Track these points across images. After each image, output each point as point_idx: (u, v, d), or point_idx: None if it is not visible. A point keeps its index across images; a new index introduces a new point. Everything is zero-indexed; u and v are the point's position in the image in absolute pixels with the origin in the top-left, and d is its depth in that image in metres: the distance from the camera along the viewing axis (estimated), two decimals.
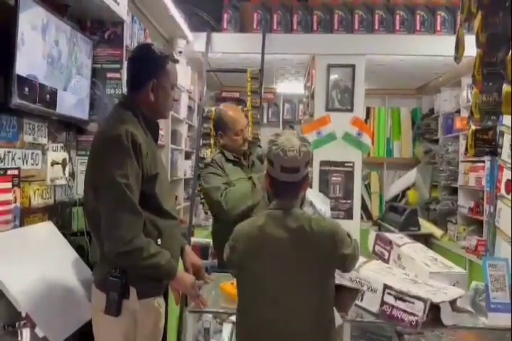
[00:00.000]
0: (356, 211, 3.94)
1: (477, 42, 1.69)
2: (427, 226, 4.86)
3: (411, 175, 5.73)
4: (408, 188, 5.73)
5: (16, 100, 1.89)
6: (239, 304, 1.50)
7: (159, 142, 3.71)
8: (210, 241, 3.04)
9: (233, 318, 1.68)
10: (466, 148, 1.68)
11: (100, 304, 1.52)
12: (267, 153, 1.50)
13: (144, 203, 1.53)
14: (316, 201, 2.23)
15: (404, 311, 1.45)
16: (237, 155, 2.43)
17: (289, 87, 5.91)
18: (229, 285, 1.79)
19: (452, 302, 1.52)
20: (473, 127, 1.64)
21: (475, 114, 1.61)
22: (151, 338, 1.60)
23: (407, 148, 6.07)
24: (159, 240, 1.58)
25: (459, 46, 1.83)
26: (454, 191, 5.01)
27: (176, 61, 1.77)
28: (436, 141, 5.60)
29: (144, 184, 1.54)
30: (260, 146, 2.59)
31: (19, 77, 1.91)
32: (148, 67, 1.65)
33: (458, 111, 5.06)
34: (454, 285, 1.72)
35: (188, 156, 4.59)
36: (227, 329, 1.63)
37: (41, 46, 2.10)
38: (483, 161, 4.28)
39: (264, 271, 1.46)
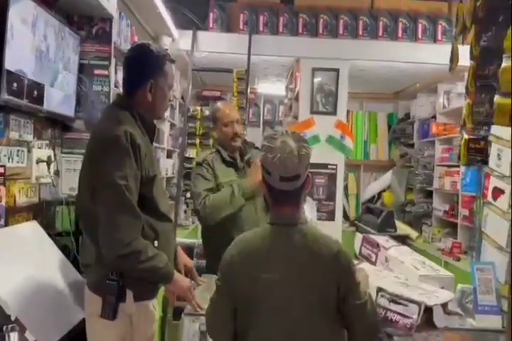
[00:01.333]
0: (338, 213, 4.01)
1: (471, 55, 1.75)
2: (402, 228, 4.97)
3: (386, 178, 5.86)
4: (384, 190, 5.87)
5: (5, 96, 1.84)
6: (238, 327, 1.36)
7: None
8: (195, 241, 3.02)
9: None
10: (459, 156, 1.74)
11: (95, 308, 1.49)
12: (262, 160, 1.36)
13: (141, 205, 1.51)
14: (305, 210, 2.20)
15: (399, 314, 1.49)
16: (232, 154, 2.40)
17: (270, 87, 5.93)
18: None
19: (444, 305, 1.56)
20: (465, 136, 1.70)
21: (468, 123, 1.66)
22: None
23: (383, 151, 6.20)
24: (156, 242, 1.57)
25: (454, 58, 1.89)
26: (429, 194, 5.15)
27: (173, 61, 1.75)
28: (412, 145, 5.74)
29: (143, 186, 1.52)
30: (258, 148, 2.59)
31: (8, 72, 1.85)
32: (147, 67, 1.63)
33: (434, 117, 5.20)
34: (442, 288, 1.77)
35: (169, 155, 4.55)
36: None
37: (30, 41, 2.05)
38: (459, 166, 4.42)
39: (266, 295, 1.31)
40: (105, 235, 1.43)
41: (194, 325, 1.57)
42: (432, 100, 5.31)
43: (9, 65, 1.87)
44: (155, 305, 1.60)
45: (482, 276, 1.68)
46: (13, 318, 1.53)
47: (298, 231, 1.34)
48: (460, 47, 1.90)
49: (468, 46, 1.76)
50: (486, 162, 1.69)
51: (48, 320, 1.70)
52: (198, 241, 2.88)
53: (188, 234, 3.74)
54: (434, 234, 4.71)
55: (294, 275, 1.31)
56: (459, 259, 3.91)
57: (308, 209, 2.19)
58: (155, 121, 1.72)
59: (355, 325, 1.37)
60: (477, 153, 1.65)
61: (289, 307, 1.30)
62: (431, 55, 4.07)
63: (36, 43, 2.10)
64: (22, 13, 1.96)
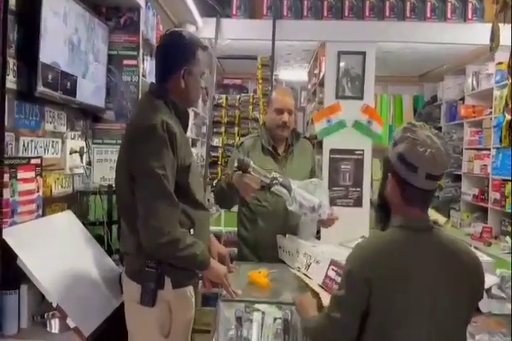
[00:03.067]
0: (366, 199, 3.97)
1: None
2: (430, 213, 4.88)
3: None
4: None
5: (40, 88, 1.87)
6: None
7: None
8: (222, 228, 3.06)
9: (261, 307, 1.70)
10: (500, 139, 1.69)
11: (134, 295, 1.52)
12: (404, 153, 1.21)
13: (177, 194, 1.52)
14: (317, 194, 2.02)
15: None
16: (274, 143, 2.30)
17: (291, 73, 5.87)
18: (257, 274, 1.81)
19: (487, 290, 1.55)
20: (508, 117, 1.65)
21: (510, 104, 1.61)
22: (184, 327, 1.61)
23: None
24: (192, 230, 1.59)
25: (494, 37, 1.81)
26: (457, 178, 5.06)
27: (206, 48, 1.74)
28: (439, 129, 5.62)
29: (178, 175, 1.53)
30: (308, 138, 2.51)
31: (43, 64, 1.88)
32: (181, 54, 1.62)
33: (462, 99, 5.08)
34: None
35: (193, 144, 4.57)
36: (257, 318, 1.64)
37: (63, 33, 2.07)
38: (489, 149, 4.32)
39: (409, 306, 1.19)
40: (145, 224, 1.44)
41: (230, 310, 1.59)
42: (460, 82, 5.18)
43: (44, 57, 1.90)
44: (192, 292, 1.62)
45: None
46: (54, 305, 1.59)
47: (435, 237, 1.25)
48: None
49: (508, 25, 1.69)
50: None
51: (87, 307, 1.75)
52: (224, 228, 2.90)
53: (217, 222, 3.77)
54: (463, 219, 4.64)
55: (438, 283, 1.21)
56: (489, 244, 3.86)
57: (321, 194, 2.09)
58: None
59: None
60: None
61: (435, 316, 1.20)
62: (461, 35, 3.95)
63: (68, 35, 2.12)
64: (54, 6, 1.97)
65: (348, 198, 3.89)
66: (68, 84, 2.11)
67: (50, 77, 1.93)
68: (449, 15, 3.98)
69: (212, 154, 3.62)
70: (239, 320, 1.60)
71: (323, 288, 1.71)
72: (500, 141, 1.68)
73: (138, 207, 1.46)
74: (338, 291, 1.26)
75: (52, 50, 1.96)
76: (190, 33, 1.71)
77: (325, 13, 3.99)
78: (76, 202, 2.30)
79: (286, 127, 2.27)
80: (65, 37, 2.09)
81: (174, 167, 1.51)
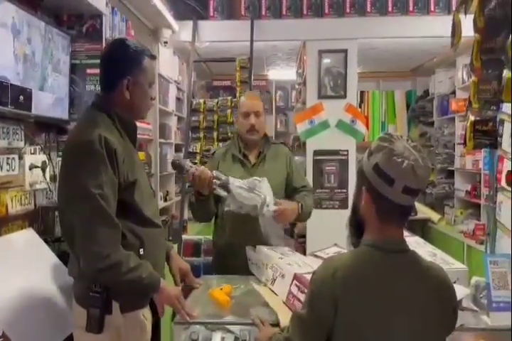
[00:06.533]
0: (351, 201, 3.85)
1: (475, 27, 1.57)
2: (423, 211, 4.81)
3: None
4: None
5: None
6: None
7: (146, 136, 3.61)
8: (201, 237, 2.97)
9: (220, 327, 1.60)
10: (465, 141, 1.58)
11: (81, 320, 1.45)
12: (380, 164, 1.12)
13: (123, 212, 1.45)
14: (262, 189, 1.96)
15: None
16: (245, 150, 2.26)
17: (281, 73, 5.80)
18: (218, 291, 1.72)
19: (458, 302, 1.46)
20: (471, 118, 1.54)
21: (474, 103, 1.50)
22: None
23: (402, 131, 5.98)
24: (141, 250, 1.51)
25: (456, 32, 1.70)
26: (450, 174, 4.95)
27: (153, 57, 1.67)
28: (432, 124, 5.53)
29: (122, 192, 1.45)
30: (285, 144, 2.43)
31: None
32: (123, 63, 1.55)
33: (453, 93, 4.97)
34: (454, 282, 1.65)
35: (178, 149, 4.49)
36: (216, 337, 1.56)
37: (11, 45, 1.98)
38: None
39: (377, 331, 1.11)
40: (83, 248, 1.37)
41: (185, 333, 1.50)
42: (451, 75, 5.07)
43: None
44: (146, 315, 1.54)
45: (496, 270, 1.56)
46: (0, 333, 1.51)
47: (411, 260, 1.18)
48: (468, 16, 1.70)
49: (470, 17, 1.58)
50: (495, 146, 1.53)
51: (38, 333, 1.65)
52: (203, 237, 2.83)
53: (202, 230, 3.69)
54: (457, 216, 4.53)
55: (410, 309, 1.14)
56: (482, 242, 3.74)
57: (265, 190, 1.98)
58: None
59: None
60: (485, 136, 1.49)
61: None
62: (446, 27, 3.82)
63: (19, 47, 2.04)
64: (0, 17, 1.89)
65: (333, 200, 3.79)
66: (21, 98, 2.03)
67: None
68: (432, 8, 3.87)
69: (191, 160, 3.53)
70: None
71: (287, 305, 1.62)
72: (465, 143, 1.57)
73: (75, 229, 1.37)
74: (301, 311, 1.19)
75: None
76: (135, 42, 1.63)
77: (304, 12, 3.89)
78: (39, 218, 2.22)
79: (255, 130, 2.22)
80: (16, 49, 2.01)
81: (115, 184, 1.42)
